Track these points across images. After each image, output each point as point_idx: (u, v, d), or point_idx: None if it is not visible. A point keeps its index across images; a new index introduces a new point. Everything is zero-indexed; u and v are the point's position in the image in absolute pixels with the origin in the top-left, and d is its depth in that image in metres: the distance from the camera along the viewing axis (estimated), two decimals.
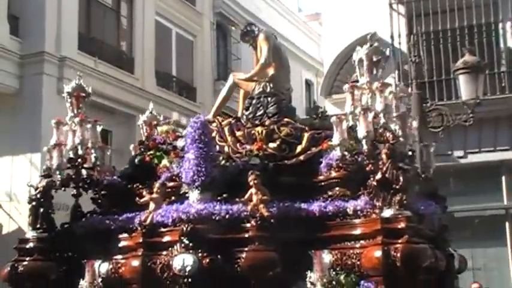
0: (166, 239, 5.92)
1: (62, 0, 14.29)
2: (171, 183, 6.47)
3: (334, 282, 5.51)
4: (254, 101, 7.21)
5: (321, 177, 6.24)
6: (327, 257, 5.63)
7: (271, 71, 7.28)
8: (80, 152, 6.69)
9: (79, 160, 6.70)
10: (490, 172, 12.13)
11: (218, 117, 7.28)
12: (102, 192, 6.92)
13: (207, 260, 5.60)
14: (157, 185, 6.32)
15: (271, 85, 7.21)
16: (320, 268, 5.55)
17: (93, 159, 6.78)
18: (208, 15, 19.53)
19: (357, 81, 6.24)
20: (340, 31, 12.78)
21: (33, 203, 6.59)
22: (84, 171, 6.75)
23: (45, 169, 6.79)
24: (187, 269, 5.55)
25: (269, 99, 7.12)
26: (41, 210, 6.55)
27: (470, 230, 12.03)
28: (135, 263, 5.91)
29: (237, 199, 5.95)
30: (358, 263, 5.57)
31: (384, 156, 5.60)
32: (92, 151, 6.76)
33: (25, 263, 6.44)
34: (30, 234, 6.61)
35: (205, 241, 5.72)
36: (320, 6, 17.04)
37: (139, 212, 6.22)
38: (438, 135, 9.64)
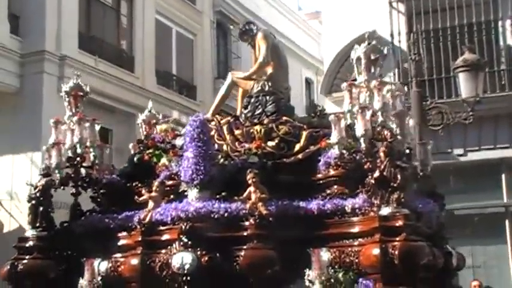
0: (165, 237, 5.93)
1: None
2: (170, 182, 6.48)
3: (332, 280, 5.53)
4: (253, 100, 7.23)
5: (319, 176, 6.25)
6: (325, 255, 5.65)
7: (269, 70, 7.29)
8: (79, 150, 6.70)
9: (78, 159, 6.70)
10: (489, 170, 12.14)
11: (217, 115, 7.30)
12: (102, 190, 6.93)
13: (206, 258, 5.61)
14: (156, 183, 6.33)
15: (269, 84, 7.22)
16: (318, 266, 5.57)
17: (92, 158, 6.78)
18: (208, 14, 19.55)
19: (356, 79, 6.25)
20: (340, 29, 12.79)
21: (33, 202, 6.60)
22: (83, 170, 6.76)
23: (44, 168, 6.81)
24: (186, 267, 5.56)
25: (267, 97, 7.14)
26: (41, 209, 6.57)
27: (470, 228, 12.04)
28: (134, 261, 5.92)
29: (236, 197, 5.96)
30: (357, 260, 5.58)
31: (381, 154, 5.61)
32: (91, 150, 6.77)
33: (24, 261, 6.44)
34: (29, 232, 6.62)
35: (204, 239, 5.73)
36: (320, 5, 17.05)
37: (139, 211, 6.23)
38: (438, 133, 9.67)
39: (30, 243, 6.55)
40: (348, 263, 5.64)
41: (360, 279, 5.49)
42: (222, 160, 6.44)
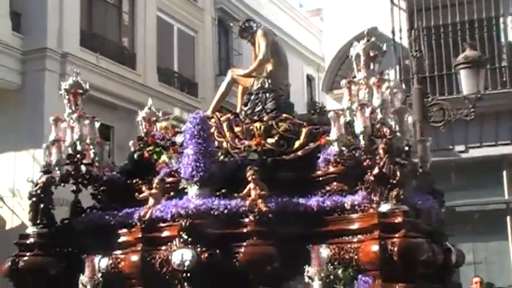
0: (165, 234, 5.95)
1: None
2: (170, 179, 6.49)
3: (332, 277, 5.54)
4: (252, 97, 7.24)
5: (319, 173, 6.26)
6: (324, 251, 5.66)
7: (269, 67, 7.30)
8: (79, 148, 6.71)
9: (78, 156, 6.72)
10: (491, 166, 12.14)
11: (217, 113, 7.31)
12: (102, 188, 6.94)
13: (206, 255, 5.62)
14: (156, 180, 6.34)
15: (269, 81, 7.23)
16: (318, 262, 5.57)
17: (92, 155, 6.80)
18: (210, 11, 19.56)
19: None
20: (342, 26, 12.77)
21: (33, 199, 6.62)
22: (83, 167, 6.77)
23: (44, 165, 6.83)
24: (186, 263, 5.58)
25: (267, 95, 7.14)
26: (41, 206, 6.58)
27: (472, 224, 12.06)
28: (135, 258, 5.95)
29: (236, 194, 5.98)
30: (356, 257, 5.58)
31: (381, 151, 5.62)
32: (91, 147, 6.79)
33: (25, 258, 6.46)
34: (30, 229, 6.64)
35: (203, 236, 5.74)
36: (321, 2, 17.07)
37: (139, 208, 6.25)
38: (439, 130, 9.68)
39: (31, 240, 6.57)
40: (348, 260, 5.65)
41: (359, 276, 5.50)
42: (221, 157, 6.45)
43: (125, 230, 6.30)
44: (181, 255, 5.60)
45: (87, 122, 6.76)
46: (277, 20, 21.34)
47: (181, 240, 5.70)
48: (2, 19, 13.49)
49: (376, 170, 5.57)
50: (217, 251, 5.69)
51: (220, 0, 19.80)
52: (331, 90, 13.18)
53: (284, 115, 6.91)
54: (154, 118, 7.74)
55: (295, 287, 5.82)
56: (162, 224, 6.00)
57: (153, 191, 6.24)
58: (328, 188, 6.14)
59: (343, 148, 6.03)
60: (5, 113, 13.61)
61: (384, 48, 6.20)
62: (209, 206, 5.87)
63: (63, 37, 14.21)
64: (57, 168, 6.72)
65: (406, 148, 6.11)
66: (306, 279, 5.58)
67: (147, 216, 6.05)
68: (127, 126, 14.84)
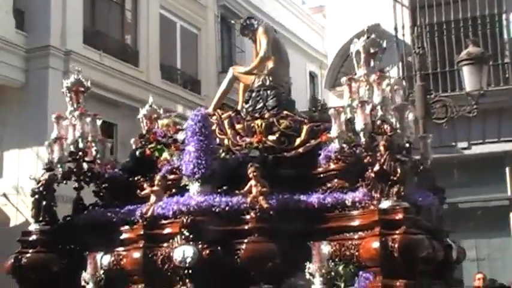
0: (167, 231, 5.99)
1: None
2: (172, 176, 6.53)
3: (332, 273, 5.56)
4: (254, 94, 7.25)
5: (320, 170, 6.29)
6: (325, 248, 5.68)
7: (270, 64, 7.32)
8: (81, 145, 6.75)
9: (80, 153, 6.75)
10: (494, 163, 12.12)
11: (218, 110, 7.32)
12: (104, 185, 6.98)
13: (207, 252, 5.66)
14: (158, 177, 6.38)
15: (270, 78, 7.25)
16: (319, 259, 5.59)
17: (94, 153, 6.82)
18: (213, 8, 19.54)
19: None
20: (344, 23, 12.74)
21: (36, 196, 6.66)
22: (85, 165, 6.80)
23: (47, 163, 6.86)
24: (188, 260, 5.61)
25: (268, 92, 7.16)
26: (44, 203, 6.63)
27: (474, 221, 12.05)
28: (137, 254, 5.98)
29: (237, 191, 6.01)
30: (357, 253, 5.61)
31: (381, 148, 5.63)
32: (93, 144, 6.81)
33: (28, 255, 6.51)
34: (33, 226, 6.69)
35: (205, 233, 5.77)
36: None
37: (141, 205, 6.29)
38: (442, 127, 9.67)
39: (34, 237, 6.61)
40: (348, 256, 5.68)
41: (360, 272, 5.52)
42: (223, 154, 6.48)
43: (126, 227, 6.34)
44: (183, 252, 5.63)
45: (88, 119, 6.78)
46: (280, 17, 21.31)
47: (183, 237, 5.73)
48: (5, 17, 13.51)
49: (376, 167, 5.59)
50: (219, 247, 5.73)
51: None
52: (333, 87, 13.16)
53: (285, 112, 6.93)
54: (155, 115, 7.76)
55: (296, 284, 5.84)
56: (163, 221, 6.03)
57: (155, 188, 6.28)
58: (329, 185, 6.16)
59: (344, 145, 6.05)
60: (8, 111, 13.63)
61: (385, 45, 6.21)
62: (210, 203, 5.90)
63: (67, 35, 14.21)
64: (59, 166, 6.75)
65: (407, 145, 6.12)
66: (307, 276, 5.60)
67: (149, 213, 6.09)
68: (130, 123, 14.81)
